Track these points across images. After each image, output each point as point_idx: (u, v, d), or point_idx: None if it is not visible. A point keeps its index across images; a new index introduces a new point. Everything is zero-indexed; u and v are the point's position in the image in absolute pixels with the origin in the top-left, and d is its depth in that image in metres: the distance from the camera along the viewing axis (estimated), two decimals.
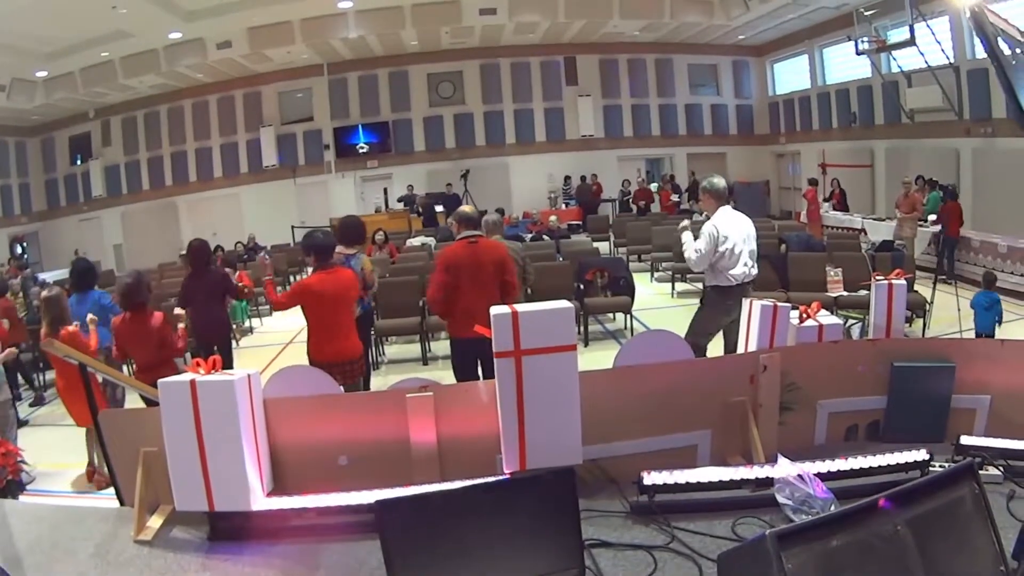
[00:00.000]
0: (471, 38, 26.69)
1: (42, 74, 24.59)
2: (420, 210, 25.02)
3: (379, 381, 10.43)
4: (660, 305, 14.27)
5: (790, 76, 28.61)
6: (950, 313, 10.59)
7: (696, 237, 7.98)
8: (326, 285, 7.21)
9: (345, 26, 23.86)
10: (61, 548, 3.71)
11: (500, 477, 3.42)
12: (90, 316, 8.27)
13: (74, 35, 21.54)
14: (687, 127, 29.74)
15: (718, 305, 7.88)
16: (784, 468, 3.09)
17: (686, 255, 8.05)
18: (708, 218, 7.98)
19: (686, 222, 8.45)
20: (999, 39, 2.22)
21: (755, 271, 7.97)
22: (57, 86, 25.42)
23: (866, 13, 19.31)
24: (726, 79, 30.00)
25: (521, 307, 3.45)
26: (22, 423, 10.19)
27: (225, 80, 28.32)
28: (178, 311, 8.28)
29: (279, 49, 25.05)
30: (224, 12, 21.49)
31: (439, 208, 25.71)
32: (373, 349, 11.49)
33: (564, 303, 3.49)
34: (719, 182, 8.10)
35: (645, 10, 23.96)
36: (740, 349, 4.48)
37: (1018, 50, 2.27)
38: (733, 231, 7.71)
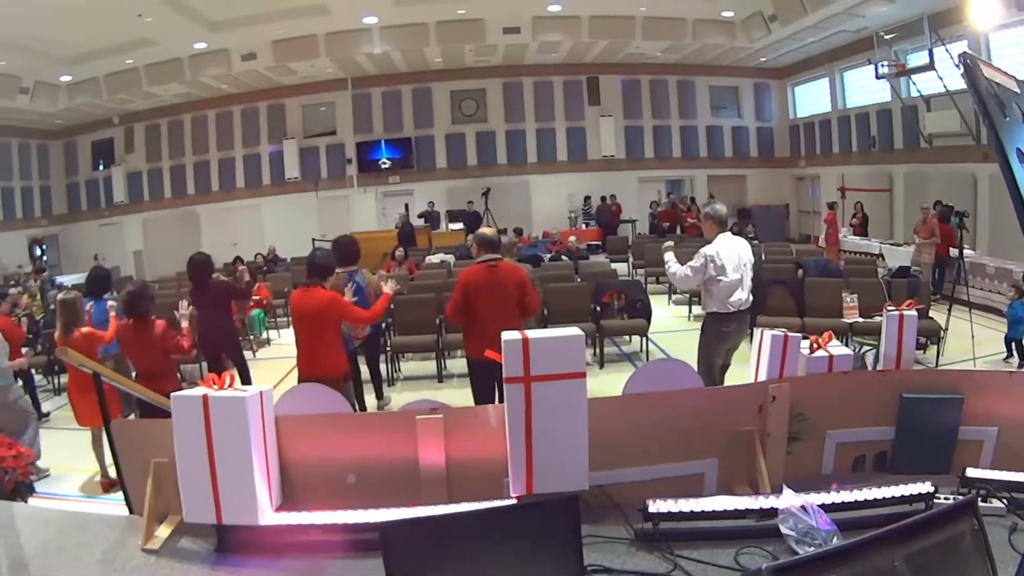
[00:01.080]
0: (495, 56, 26.71)
1: (66, 79, 24.74)
2: (397, 226, 24.46)
3: (394, 398, 10.53)
4: (677, 328, 14.18)
5: (811, 99, 28.50)
6: (964, 340, 10.58)
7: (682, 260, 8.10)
8: (302, 302, 7.34)
9: (369, 41, 23.93)
10: (67, 553, 3.74)
11: (505, 501, 3.44)
12: (110, 303, 8.38)
13: (99, 41, 21.66)
14: (708, 149, 29.60)
15: (716, 332, 7.94)
16: (788, 499, 3.10)
17: (669, 272, 8.20)
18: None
19: (670, 242, 8.55)
20: (994, 95, 2.20)
21: (749, 297, 7.98)
22: (81, 91, 25.59)
23: (886, 37, 19.30)
24: (747, 101, 29.87)
25: (532, 333, 3.48)
26: (45, 415, 10.32)
27: (249, 91, 28.38)
28: (183, 310, 8.25)
29: (303, 62, 25.13)
30: (249, 24, 21.57)
31: (457, 226, 25.87)
32: (388, 366, 11.52)
33: (575, 330, 3.51)
34: (721, 208, 8.17)
35: (667, 31, 23.96)
36: (750, 378, 4.48)
37: (1015, 104, 2.25)
38: (732, 258, 7.75)
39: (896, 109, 22.08)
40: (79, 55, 22.71)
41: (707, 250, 7.74)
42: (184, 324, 7.97)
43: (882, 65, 19.76)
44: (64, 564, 3.64)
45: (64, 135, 30.17)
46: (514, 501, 3.43)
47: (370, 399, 9.90)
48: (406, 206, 27.90)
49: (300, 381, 7.21)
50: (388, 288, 7.97)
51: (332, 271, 7.64)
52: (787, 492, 3.16)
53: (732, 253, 7.76)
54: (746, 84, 29.69)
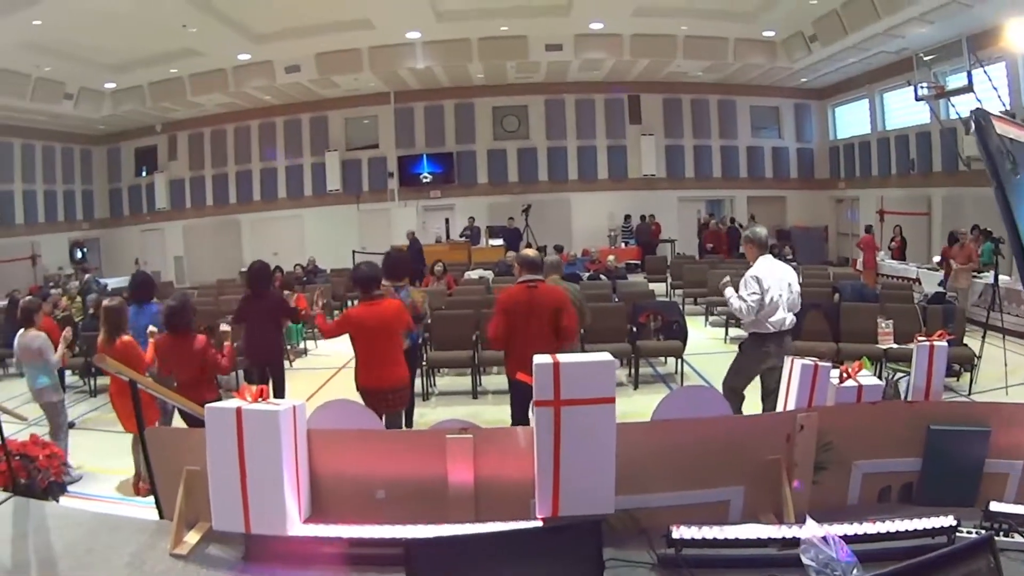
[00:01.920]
0: (537, 73, 26.77)
1: (110, 86, 25.16)
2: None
3: (428, 413, 10.48)
4: (712, 350, 13.99)
5: (851, 120, 28.26)
6: (998, 368, 10.51)
7: (736, 288, 8.06)
8: (370, 315, 7.34)
9: (413, 56, 24.06)
10: (96, 554, 3.80)
11: (531, 523, 3.47)
12: (150, 328, 8.44)
13: (144, 50, 22.00)
14: (748, 169, 29.43)
15: (756, 351, 7.92)
16: (811, 529, 3.11)
17: (733, 308, 8.10)
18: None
19: (727, 278, 8.47)
20: (1007, 151, 2.22)
21: (793, 320, 7.96)
22: (125, 98, 26.00)
23: (925, 58, 19.11)
24: (787, 122, 29.66)
25: (563, 358, 3.50)
26: (70, 425, 10.41)
27: (292, 103, 28.61)
28: (225, 328, 8.46)
29: (347, 76, 25.32)
30: (293, 37, 21.78)
31: (496, 241, 25.78)
32: (424, 380, 11.52)
33: (606, 356, 3.53)
34: (761, 232, 8.27)
35: (709, 51, 23.93)
36: (780, 407, 4.49)
37: None
38: (773, 279, 7.76)
39: (935, 131, 21.83)
40: (124, 63, 23.08)
41: (749, 273, 7.79)
42: (226, 343, 8.07)
43: (921, 87, 19.54)
44: (92, 565, 3.70)
45: (107, 141, 30.73)
46: (539, 523, 3.46)
47: None
48: (446, 221, 28.13)
49: (364, 393, 7.31)
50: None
51: (380, 282, 7.69)
52: (810, 522, 3.16)
53: (774, 274, 7.79)
54: (787, 104, 29.51)
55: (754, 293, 7.68)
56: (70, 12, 17.53)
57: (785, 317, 7.82)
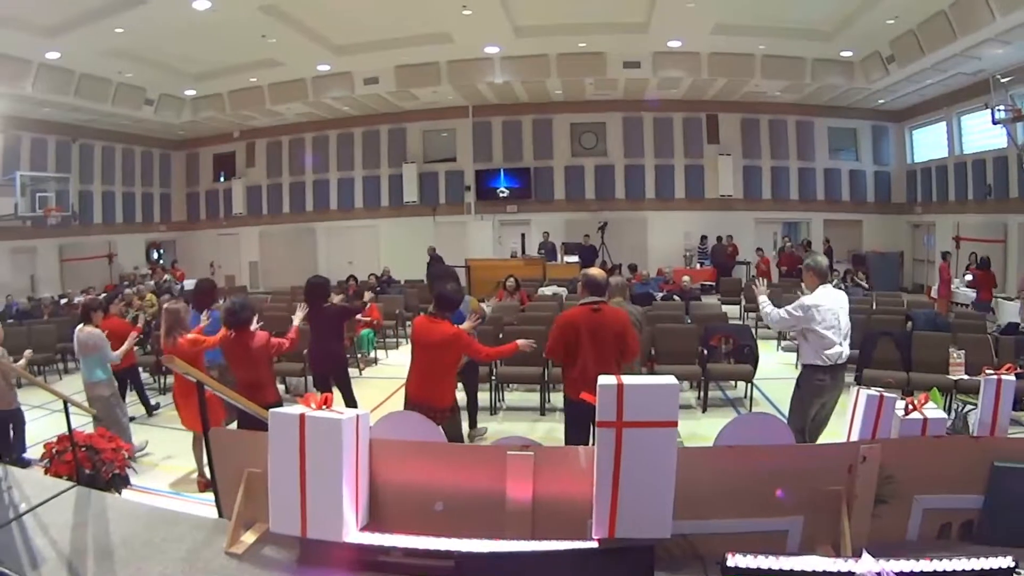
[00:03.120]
0: (615, 91, 26.69)
1: (190, 93, 25.87)
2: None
3: (494, 427, 10.58)
4: (784, 375, 13.70)
5: (928, 144, 27.64)
6: None
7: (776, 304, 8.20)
8: (424, 331, 7.51)
9: (491, 71, 24.20)
10: (153, 547, 3.88)
11: (586, 543, 3.47)
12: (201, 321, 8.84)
13: (225, 59, 22.55)
14: (825, 192, 28.99)
15: (811, 384, 7.88)
16: (867, 564, 3.08)
17: (763, 312, 8.31)
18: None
19: (765, 286, 8.53)
20: None
21: (847, 352, 7.90)
22: (204, 105, 26.74)
23: (1002, 80, 18.83)
24: (865, 144, 29.12)
25: (628, 379, 3.50)
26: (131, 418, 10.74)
27: (371, 114, 28.96)
28: (297, 312, 9.18)
29: (425, 89, 25.53)
30: (373, 49, 22.07)
31: (572, 258, 25.52)
32: (492, 395, 11.62)
33: (670, 379, 3.52)
34: (823, 260, 8.18)
35: (786, 70, 23.70)
36: (843, 437, 4.45)
37: None
38: (832, 310, 7.71)
39: (1012, 156, 21.34)
40: (205, 71, 23.74)
41: (807, 300, 7.74)
42: (295, 322, 8.67)
43: (998, 109, 19.25)
44: (148, 557, 3.77)
45: (186, 146, 31.62)
46: (595, 543, 3.47)
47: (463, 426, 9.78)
48: (522, 236, 28.30)
49: (407, 406, 7.42)
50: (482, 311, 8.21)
51: (459, 305, 7.77)
52: (866, 556, 3.13)
53: (832, 305, 7.73)
54: (864, 126, 29.01)
55: (797, 314, 7.73)
56: (151, 22, 18.05)
57: (842, 351, 7.78)
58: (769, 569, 3.20)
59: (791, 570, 3.22)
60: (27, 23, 17.52)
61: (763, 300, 8.36)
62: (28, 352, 9.47)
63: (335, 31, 20.96)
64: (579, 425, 7.41)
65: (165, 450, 9.83)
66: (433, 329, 7.45)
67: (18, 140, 24.99)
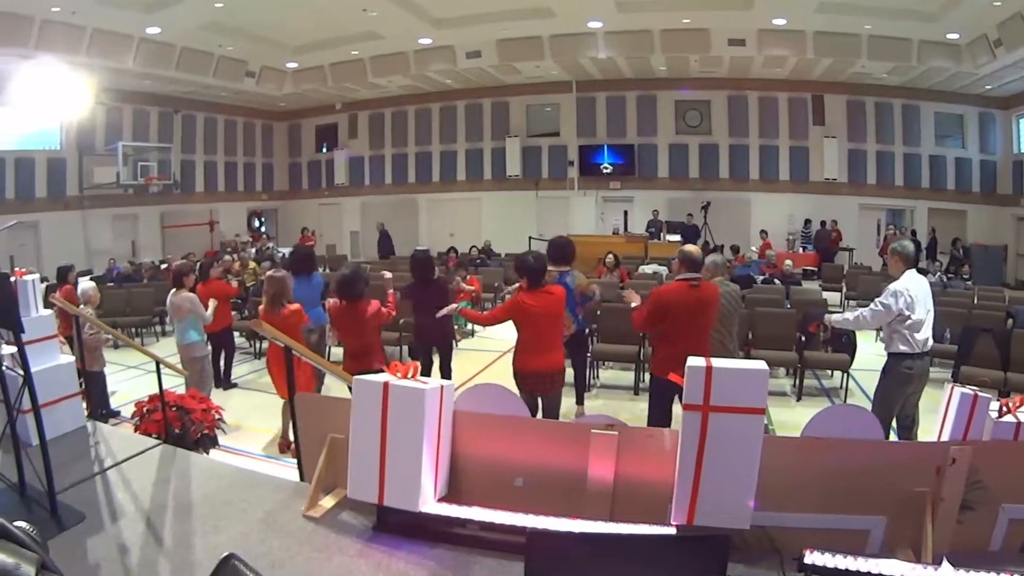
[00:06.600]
0: (720, 68, 26.24)
1: (292, 65, 26.20)
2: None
3: (587, 404, 10.47)
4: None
5: None
6: None
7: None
8: (538, 304, 7.40)
9: (594, 46, 23.93)
10: (233, 507, 3.96)
11: (661, 529, 3.40)
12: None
13: (325, 32, 22.70)
14: (930, 180, 28.05)
15: (898, 372, 7.65)
16: (947, 572, 2.98)
17: (847, 321, 8.17)
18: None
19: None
20: None
21: (932, 340, 7.72)
22: (305, 78, 27.05)
23: None
24: (971, 131, 27.92)
25: (717, 362, 3.43)
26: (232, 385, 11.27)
27: (473, 88, 28.98)
28: (387, 275, 9.60)
29: (528, 63, 25.41)
30: (474, 23, 21.99)
31: (674, 237, 25.07)
32: (587, 371, 11.37)
33: (760, 364, 3.44)
34: (910, 246, 7.97)
35: (892, 52, 22.92)
36: (933, 436, 4.32)
37: None
38: (920, 295, 7.51)
39: None
40: (305, 44, 24.07)
41: (896, 286, 7.50)
42: (389, 291, 8.79)
43: None
44: (227, 516, 3.84)
45: (288, 117, 32.22)
46: (672, 529, 3.40)
47: (568, 402, 9.53)
48: (625, 213, 28.11)
49: (523, 376, 7.47)
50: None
51: (544, 273, 7.73)
52: (945, 565, 3.02)
53: (920, 291, 7.52)
54: (971, 112, 27.83)
55: (888, 302, 7.50)
56: None
57: (928, 337, 7.58)
58: (847, 570, 3.11)
59: (869, 572, 3.13)
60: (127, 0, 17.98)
61: (838, 317, 8.28)
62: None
63: (435, 4, 20.92)
64: (663, 404, 7.33)
65: (256, 414, 10.03)
66: (542, 299, 7.44)
67: (120, 112, 25.79)
